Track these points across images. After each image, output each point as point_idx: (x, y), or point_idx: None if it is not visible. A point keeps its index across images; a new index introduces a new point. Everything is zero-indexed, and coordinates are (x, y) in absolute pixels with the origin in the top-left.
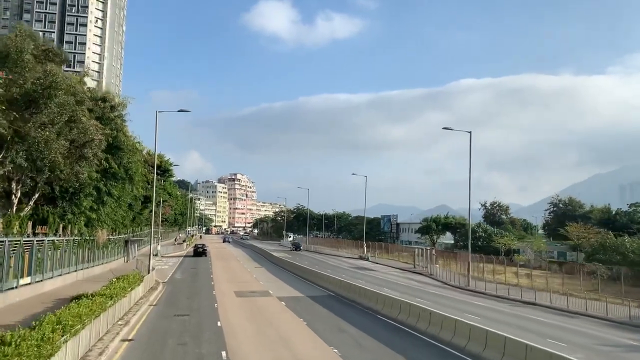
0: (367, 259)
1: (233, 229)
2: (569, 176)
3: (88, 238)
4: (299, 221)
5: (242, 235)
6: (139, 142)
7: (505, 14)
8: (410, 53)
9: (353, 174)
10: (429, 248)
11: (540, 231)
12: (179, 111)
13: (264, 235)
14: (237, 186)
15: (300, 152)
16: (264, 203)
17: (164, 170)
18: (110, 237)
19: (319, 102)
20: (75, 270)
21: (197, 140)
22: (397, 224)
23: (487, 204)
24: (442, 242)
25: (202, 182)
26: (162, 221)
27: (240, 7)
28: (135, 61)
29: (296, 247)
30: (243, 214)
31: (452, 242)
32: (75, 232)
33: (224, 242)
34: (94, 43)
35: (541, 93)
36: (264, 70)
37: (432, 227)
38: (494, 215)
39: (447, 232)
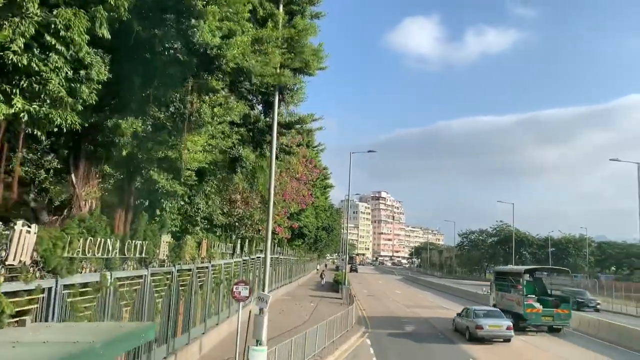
0: None
1: (380, 257)
2: None
3: None
4: (504, 249)
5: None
6: None
7: None
8: (569, 67)
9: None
10: None
11: None
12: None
13: (431, 269)
14: (381, 206)
15: (440, 178)
16: (414, 228)
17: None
18: None
19: (460, 126)
20: None
21: (332, 170)
22: None
23: None
24: None
25: (341, 200)
26: (292, 239)
27: (385, 25)
28: None
29: None
30: (389, 240)
31: None
32: None
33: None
34: None
35: None
36: (404, 94)
37: None
38: None
39: None
